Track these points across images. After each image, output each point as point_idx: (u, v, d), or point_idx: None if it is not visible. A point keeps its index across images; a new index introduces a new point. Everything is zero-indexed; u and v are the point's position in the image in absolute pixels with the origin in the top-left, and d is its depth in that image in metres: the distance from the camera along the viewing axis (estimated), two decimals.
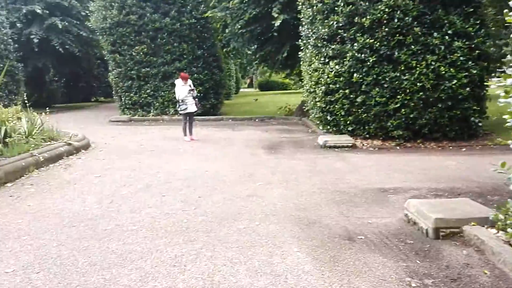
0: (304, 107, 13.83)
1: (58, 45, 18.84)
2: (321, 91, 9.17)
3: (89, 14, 16.16)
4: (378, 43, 8.08)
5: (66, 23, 19.06)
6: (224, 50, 15.61)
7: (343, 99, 8.82)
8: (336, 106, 8.99)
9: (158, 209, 4.29)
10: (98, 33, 15.54)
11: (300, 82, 14.70)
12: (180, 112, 9.48)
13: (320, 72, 9.18)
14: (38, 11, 18.31)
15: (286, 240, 3.50)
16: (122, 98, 15.12)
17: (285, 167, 6.48)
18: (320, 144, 8.61)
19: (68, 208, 4.29)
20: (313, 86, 9.57)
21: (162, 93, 14.86)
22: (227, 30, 12.96)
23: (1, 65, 15.90)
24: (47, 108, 9.35)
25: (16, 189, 5.04)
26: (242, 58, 19.32)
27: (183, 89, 9.38)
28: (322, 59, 9.12)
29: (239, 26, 12.26)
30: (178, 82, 9.49)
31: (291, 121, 14.21)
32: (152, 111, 15.00)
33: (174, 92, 14.86)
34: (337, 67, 8.72)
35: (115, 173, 6.00)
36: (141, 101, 14.99)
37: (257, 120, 14.68)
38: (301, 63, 10.83)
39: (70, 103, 25.13)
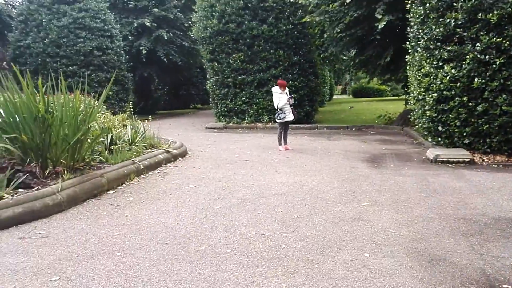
0: (409, 116, 12.67)
1: (163, 56, 20.09)
2: (432, 99, 8.14)
3: (191, 24, 16.87)
4: (507, 42, 6.86)
5: (171, 35, 20.26)
6: (321, 56, 15.03)
7: (460, 107, 7.70)
8: (451, 115, 7.90)
9: (254, 228, 3.94)
10: (199, 43, 16.11)
11: (404, 89, 13.53)
12: (278, 121, 9.16)
13: (432, 77, 8.16)
14: (148, 24, 19.72)
15: (406, 281, 2.87)
16: (218, 106, 15.42)
17: (391, 185, 5.73)
18: (430, 158, 7.61)
19: (163, 222, 4.15)
20: (422, 93, 8.55)
21: (257, 100, 14.83)
22: (325, 35, 12.41)
23: (114, 75, 17.40)
24: (150, 116, 9.72)
25: (116, 197, 5.11)
26: (340, 64, 18.50)
27: (281, 96, 9.07)
28: (434, 62, 8.10)
29: (339, 30, 11.64)
30: (276, 89, 9.19)
31: (392, 130, 13.12)
32: (246, 118, 15.04)
33: (269, 100, 14.84)
34: (453, 71, 7.65)
35: (210, 184, 5.84)
36: (236, 108, 15.13)
37: (353, 129, 13.85)
38: (407, 68, 9.83)
39: (171, 110, 26.68)
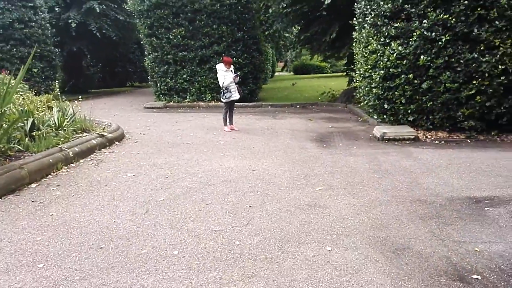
0: (354, 94, 12.75)
1: (95, 30, 18.48)
2: (378, 76, 8.09)
3: None
4: (453, 19, 6.88)
5: (104, 7, 18.60)
6: (267, 32, 14.56)
7: (405, 85, 7.72)
8: (396, 92, 7.90)
9: (203, 223, 3.51)
10: (135, 16, 14.93)
11: (348, 66, 13.52)
12: (224, 100, 8.65)
13: (379, 54, 8.08)
14: None
15: (374, 278, 2.63)
16: (158, 84, 14.53)
17: (343, 166, 5.55)
18: (377, 136, 7.59)
19: (96, 220, 3.59)
20: (369, 71, 8.48)
21: (199, 78, 14.14)
22: (270, 10, 11.95)
23: (38, 51, 15.71)
24: (80, 97, 8.79)
25: (40, 192, 4.41)
26: (285, 40, 18.19)
27: (226, 75, 8.54)
28: (382, 39, 8.01)
29: (284, 5, 11.25)
30: (220, 67, 8.62)
31: (336, 108, 13.15)
32: (188, 97, 14.34)
33: (211, 78, 14.21)
34: (400, 48, 7.60)
35: (151, 171, 5.29)
36: (177, 87, 14.35)
37: (298, 106, 13.72)
38: (353, 44, 9.71)
39: (106, 88, 25.02)
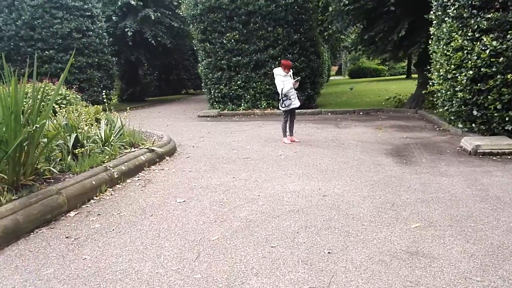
0: (424, 98, 11.42)
1: (150, 38, 18.47)
2: (465, 77, 6.85)
3: (180, 2, 15.27)
4: None
5: (159, 14, 18.55)
6: (325, 33, 13.53)
7: (502, 87, 6.43)
8: (490, 96, 6.63)
9: (270, 279, 2.64)
10: (188, 22, 14.57)
11: (427, 67, 12.10)
12: (283, 108, 7.78)
13: (466, 51, 6.84)
14: (133, 2, 18.01)
15: None
16: (212, 91, 14.00)
17: (437, 190, 4.46)
18: (468, 149, 6.35)
19: (135, 270, 2.84)
20: (452, 71, 7.24)
21: (254, 84, 13.43)
22: (330, 8, 10.95)
23: (96, 60, 15.84)
24: (128, 108, 8.36)
25: (77, 223, 3.78)
26: (343, 41, 17.03)
27: (285, 80, 7.66)
28: (469, 34, 6.76)
29: (346, 2, 10.21)
30: (278, 71, 7.75)
31: (405, 114, 11.83)
32: (243, 104, 13.66)
33: (267, 83, 13.42)
34: (494, 43, 6.33)
35: (203, 196, 4.53)
36: (231, 93, 13.73)
37: (361, 113, 12.56)
38: (429, 42, 8.47)
39: (162, 96, 25.17)
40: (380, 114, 12.14)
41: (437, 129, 8.90)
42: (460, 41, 6.97)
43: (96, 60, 15.71)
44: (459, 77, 7.07)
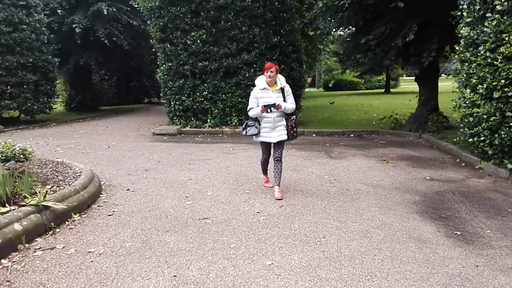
0: (428, 119, 9.38)
1: (103, 36, 15.72)
2: None
3: None
4: None
5: (114, 9, 15.78)
6: (312, 33, 11.25)
7: None
8: None
9: None
10: (146, 17, 12.02)
11: (417, 80, 9.97)
12: (255, 139, 4.98)
13: None
14: None
15: None
16: (172, 103, 11.47)
17: None
18: None
19: None
20: (501, 89, 5.10)
21: (223, 96, 11.03)
22: (320, 4, 8.69)
23: (31, 60, 12.95)
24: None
25: None
26: (327, 46, 14.84)
27: (265, 96, 4.70)
28: None
29: None
30: (257, 81, 4.82)
31: (406, 139, 9.70)
32: (209, 120, 11.21)
33: (239, 95, 11.03)
34: None
35: None
36: (195, 106, 11.26)
37: (352, 135, 10.36)
38: (458, 47, 6.31)
39: (120, 105, 22.33)
40: (377, 138, 9.97)
41: (462, 164, 6.73)
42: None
43: (31, 60, 12.83)
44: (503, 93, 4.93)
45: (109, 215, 4.21)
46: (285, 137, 4.82)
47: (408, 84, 42.05)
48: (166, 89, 11.52)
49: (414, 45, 8.75)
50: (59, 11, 15.45)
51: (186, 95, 11.24)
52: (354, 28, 10.49)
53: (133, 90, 23.45)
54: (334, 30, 10.50)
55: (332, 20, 9.76)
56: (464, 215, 4.21)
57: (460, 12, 6.36)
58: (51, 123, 13.55)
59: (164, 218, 4.14)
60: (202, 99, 11.12)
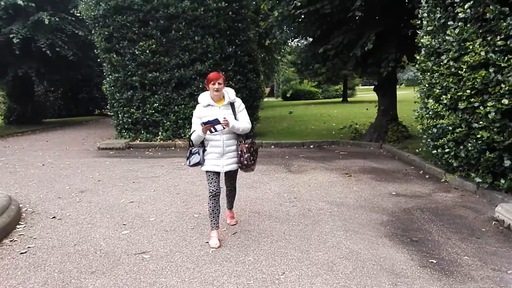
0: (388, 129, 9.18)
1: (45, 47, 14.55)
2: (494, 109, 4.43)
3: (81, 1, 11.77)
4: None
5: (57, 19, 14.72)
6: (268, 42, 10.83)
7: None
8: None
9: None
10: (89, 25, 11.16)
11: (377, 90, 9.79)
12: (202, 168, 3.76)
13: (494, 70, 4.44)
14: (20, 2, 14.08)
15: None
16: (119, 115, 10.63)
17: None
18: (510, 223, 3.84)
19: None
20: (466, 99, 4.82)
21: (176, 107, 10.35)
22: (276, 13, 8.29)
23: None
24: None
25: None
26: (284, 56, 14.54)
27: (208, 114, 3.67)
28: (499, 43, 4.37)
29: (298, 4, 7.62)
30: (200, 98, 3.88)
31: (368, 150, 9.43)
32: (161, 133, 10.45)
33: (192, 107, 10.45)
34: None
35: None
36: (145, 119, 10.47)
37: (312, 146, 9.97)
38: (418, 57, 6.05)
39: (68, 117, 20.95)
40: (337, 149, 9.62)
41: (426, 176, 6.44)
42: (483, 53, 4.56)
43: None
44: (481, 108, 4.65)
45: (21, 253, 3.43)
46: (235, 166, 3.73)
47: (365, 93, 43.08)
48: (113, 101, 10.69)
49: (372, 55, 8.53)
50: None
51: (135, 107, 10.45)
52: (311, 39, 10.19)
53: (82, 102, 22.11)
54: (291, 40, 10.15)
55: (289, 30, 9.39)
56: (436, 237, 3.80)
57: (419, 21, 6.13)
58: None
59: (92, 254, 3.42)
60: (153, 111, 10.36)
